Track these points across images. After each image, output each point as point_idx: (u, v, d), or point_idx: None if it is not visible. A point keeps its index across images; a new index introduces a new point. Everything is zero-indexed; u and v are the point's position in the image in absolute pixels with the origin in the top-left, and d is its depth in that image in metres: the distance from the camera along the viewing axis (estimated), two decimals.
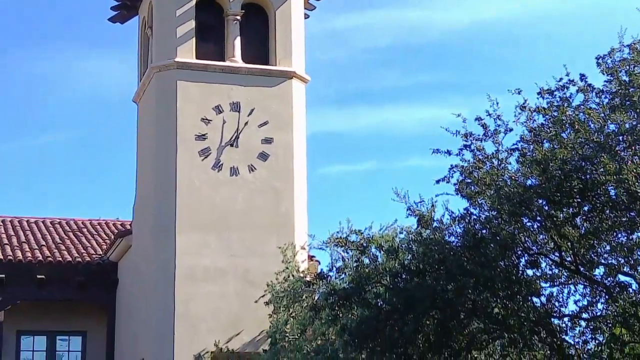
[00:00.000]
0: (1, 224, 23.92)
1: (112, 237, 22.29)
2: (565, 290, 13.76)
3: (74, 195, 39.27)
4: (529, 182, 13.47)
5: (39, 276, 21.06)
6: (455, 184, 14.25)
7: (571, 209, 13.20)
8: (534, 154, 13.44)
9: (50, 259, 21.42)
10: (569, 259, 13.49)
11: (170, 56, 19.39)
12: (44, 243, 22.43)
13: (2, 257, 21.18)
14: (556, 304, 13.69)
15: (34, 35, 40.01)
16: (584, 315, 13.47)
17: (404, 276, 14.22)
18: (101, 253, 22.07)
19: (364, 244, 15.24)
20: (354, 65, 39.93)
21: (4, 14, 39.76)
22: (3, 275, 20.89)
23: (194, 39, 19.54)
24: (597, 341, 13.18)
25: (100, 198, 38.89)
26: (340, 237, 15.66)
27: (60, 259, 21.51)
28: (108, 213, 27.52)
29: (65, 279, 21.32)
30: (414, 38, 39.48)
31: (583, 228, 13.20)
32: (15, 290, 21.01)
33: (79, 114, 40.91)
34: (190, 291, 18.33)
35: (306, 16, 20.88)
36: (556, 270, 13.74)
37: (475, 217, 14.08)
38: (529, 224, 13.57)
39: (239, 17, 19.80)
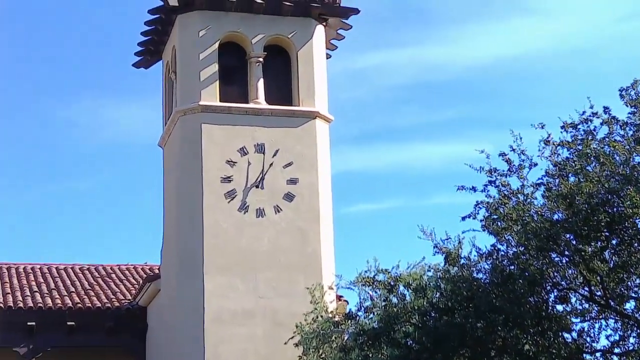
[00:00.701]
0: (30, 271, 24.04)
1: (141, 281, 22.32)
2: (597, 325, 13.63)
3: (102, 241, 39.46)
4: (555, 216, 13.39)
5: (69, 323, 21.09)
6: (481, 220, 14.20)
7: (599, 243, 13.10)
8: (559, 188, 13.37)
9: (80, 305, 21.46)
10: (598, 293, 13.37)
11: (194, 100, 19.52)
12: (73, 289, 22.50)
13: (32, 305, 21.25)
14: (587, 339, 13.55)
15: (59, 82, 40.49)
16: (616, 350, 13.33)
17: (432, 314, 14.14)
18: (130, 298, 22.10)
19: (392, 283, 15.15)
20: (377, 103, 40.05)
21: (35, 63, 40.25)
22: (34, 323, 20.94)
23: (217, 82, 19.66)
24: None
25: (128, 243, 39.09)
26: (368, 277, 15.58)
27: (90, 305, 21.55)
28: (136, 258, 27.52)
29: (95, 325, 21.34)
30: (436, 75, 39.56)
31: (612, 262, 13.09)
32: (45, 338, 21.05)
33: (106, 159, 41.25)
34: (220, 334, 18.30)
35: (328, 56, 20.98)
36: (586, 305, 13.61)
37: (502, 253, 14.01)
38: (557, 258, 13.48)
39: (261, 59, 19.91)
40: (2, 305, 20.83)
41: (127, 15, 38.98)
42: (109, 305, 21.66)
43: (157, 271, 21.71)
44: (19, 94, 39.21)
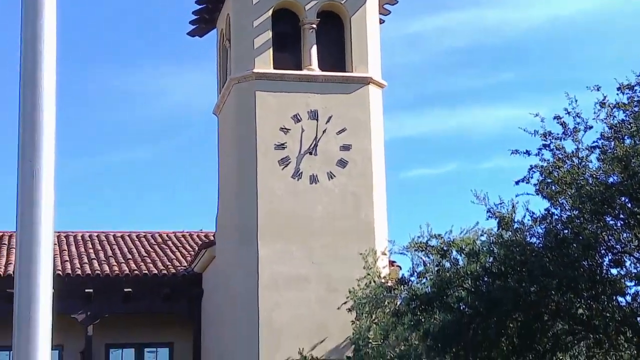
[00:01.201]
0: (88, 239, 24.43)
1: (196, 248, 22.56)
2: None
3: (158, 209, 39.93)
4: (610, 179, 13.27)
5: (125, 290, 21.41)
6: (535, 185, 14.12)
7: None
8: (615, 151, 13.23)
9: (136, 272, 21.77)
10: None
11: (248, 67, 19.57)
12: (130, 257, 22.82)
13: (90, 272, 21.61)
14: None
15: (116, 50, 40.85)
16: None
17: (485, 279, 14.12)
18: (186, 265, 22.36)
19: (445, 248, 15.15)
20: (431, 68, 39.82)
21: (86, 31, 40.67)
22: (91, 290, 21.28)
23: (271, 49, 19.69)
24: None
25: (184, 210, 39.49)
26: (421, 242, 15.59)
27: (147, 271, 21.84)
28: (192, 225, 27.83)
29: (152, 291, 21.64)
30: (490, 38, 39.21)
31: None
32: (103, 304, 21.41)
33: (161, 128, 41.64)
34: (274, 299, 18.45)
35: (381, 21, 20.88)
36: None
37: (556, 217, 13.93)
38: (612, 222, 13.37)
39: (314, 26, 19.89)
40: (60, 272, 21.21)
41: None
42: (165, 272, 21.93)
43: (212, 238, 21.92)
44: (78, 61, 39.67)
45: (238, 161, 19.45)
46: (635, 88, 13.61)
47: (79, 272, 21.58)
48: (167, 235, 25.14)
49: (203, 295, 21.72)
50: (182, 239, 24.93)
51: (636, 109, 13.41)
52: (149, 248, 23.77)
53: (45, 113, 3.81)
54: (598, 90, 13.85)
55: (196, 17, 21.57)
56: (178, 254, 23.41)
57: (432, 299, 14.48)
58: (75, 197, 36.47)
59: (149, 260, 22.58)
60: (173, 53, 41.20)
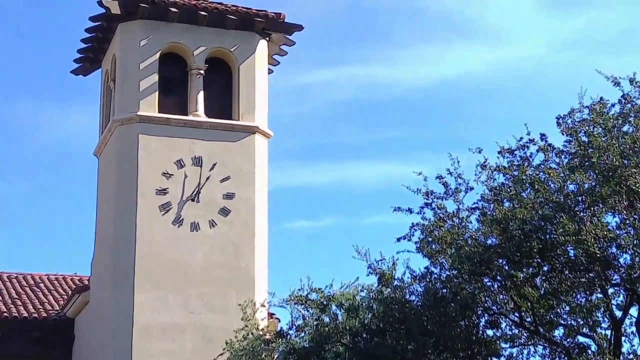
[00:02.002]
0: None
1: (70, 292, 21.93)
2: (525, 351, 13.73)
3: (31, 249, 38.72)
4: (489, 241, 13.47)
5: None
6: (416, 242, 14.26)
7: (531, 269, 13.20)
8: (494, 213, 13.46)
9: (6, 314, 21.00)
10: (528, 319, 13.45)
11: (132, 110, 19.27)
12: (0, 298, 22.01)
13: None
14: None
15: (1, 84, 39.80)
16: None
17: (364, 335, 14.12)
18: (58, 309, 21.69)
19: (325, 302, 15.10)
20: (318, 120, 40.06)
21: None
22: None
23: (156, 92, 19.44)
24: None
25: (58, 253, 38.41)
26: (301, 295, 15.49)
27: (17, 314, 21.10)
28: (66, 268, 27.03)
29: (22, 334, 20.87)
30: (378, 94, 39.69)
31: (543, 288, 13.19)
32: None
33: (39, 165, 40.53)
34: (148, 348, 18.02)
35: (270, 71, 20.89)
36: (516, 331, 13.69)
37: (436, 276, 14.06)
38: (489, 283, 13.55)
39: (202, 72, 19.75)
40: None
41: (69, 21, 38.52)
42: (36, 315, 21.22)
43: (86, 282, 21.35)
44: None
45: (117, 204, 19.06)
46: (516, 152, 13.90)
47: None
48: (39, 278, 24.34)
49: (75, 341, 21.05)
50: (55, 282, 24.17)
51: (515, 172, 13.68)
52: (20, 290, 22.95)
53: None
54: (479, 152, 14.12)
55: (81, 55, 21.19)
56: (50, 297, 22.67)
57: (310, 354, 14.39)
58: None
59: (19, 303, 21.80)
60: (56, 90, 40.37)
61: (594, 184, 12.73)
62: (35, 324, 21.00)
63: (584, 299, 12.95)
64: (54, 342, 21.05)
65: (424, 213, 14.25)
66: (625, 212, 12.51)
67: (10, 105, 39.84)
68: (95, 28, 20.26)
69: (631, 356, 13.08)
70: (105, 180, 20.06)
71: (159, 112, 19.35)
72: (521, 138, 13.96)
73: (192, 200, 18.93)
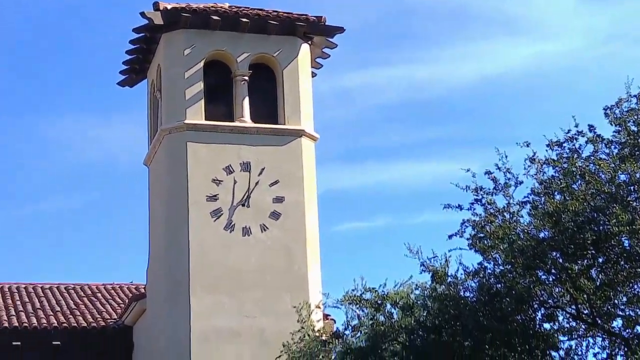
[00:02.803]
0: (15, 290, 23.90)
1: (127, 301, 22.22)
2: (584, 343, 13.67)
3: (88, 260, 39.27)
4: (541, 234, 13.44)
5: (54, 342, 20.93)
6: (468, 239, 14.25)
7: (585, 261, 13.16)
8: (545, 207, 13.43)
9: (65, 324, 21.34)
10: (585, 311, 13.41)
11: (179, 118, 19.48)
12: (58, 309, 22.37)
13: (17, 325, 21.11)
14: (575, 357, 13.57)
15: (48, 100, 40.39)
16: None
17: (419, 333, 14.15)
18: (116, 318, 21.99)
19: (379, 302, 15.15)
20: (363, 122, 40.09)
21: (20, 79, 40.15)
22: (19, 343, 20.77)
23: (202, 100, 19.63)
24: None
25: (114, 262, 38.88)
26: (355, 295, 15.56)
27: (76, 324, 21.43)
28: (122, 277, 27.39)
29: (81, 344, 21.20)
30: (422, 94, 39.67)
31: (598, 280, 13.15)
32: (31, 358, 20.87)
33: (92, 178, 41.08)
34: (206, 353, 18.20)
35: (313, 74, 20.99)
36: (573, 323, 13.65)
37: (489, 271, 14.06)
38: (543, 277, 13.52)
39: (246, 78, 19.91)
40: None
41: (113, 34, 38.98)
42: (95, 324, 21.53)
43: (142, 290, 21.62)
44: (3, 112, 39.12)
45: (169, 213, 19.29)
46: (564, 145, 13.86)
47: (6, 324, 21.07)
48: (96, 287, 24.72)
49: (134, 348, 21.33)
50: (112, 291, 24.53)
51: (565, 165, 13.64)
52: (78, 300, 23.33)
53: None
54: (528, 146, 14.09)
55: (126, 67, 21.45)
56: (108, 306, 23.01)
57: (367, 353, 14.45)
58: (1, 247, 35.75)
59: (78, 313, 22.15)
60: (103, 103, 40.85)
61: None
62: (94, 333, 21.31)
63: None
64: (113, 350, 21.35)
65: (474, 209, 14.26)
66: None
67: (58, 121, 40.41)
68: (139, 39, 20.50)
69: None
70: (156, 189, 20.30)
71: (206, 119, 19.53)
72: (569, 130, 13.92)
73: (243, 205, 19.09)
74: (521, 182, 14.17)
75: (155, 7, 19.64)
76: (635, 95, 13.45)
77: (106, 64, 40.98)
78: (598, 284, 13.03)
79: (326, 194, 32.55)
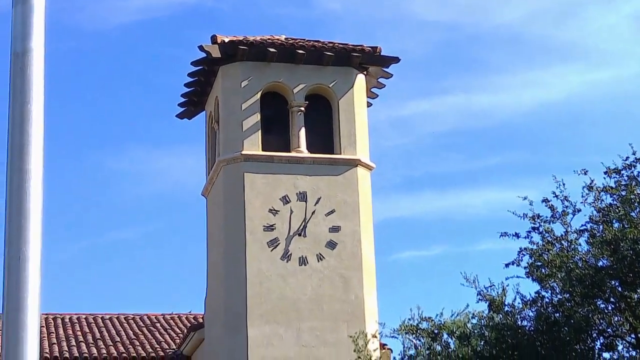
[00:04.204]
0: (76, 321, 24.19)
1: (185, 330, 22.34)
2: None
3: (147, 291, 39.64)
4: (600, 263, 13.26)
5: None
6: (525, 267, 14.10)
7: None
8: (603, 235, 13.25)
9: (124, 355, 21.52)
10: None
11: (237, 149, 19.65)
12: (118, 339, 22.58)
13: (77, 355, 21.35)
14: None
15: (108, 135, 41.04)
16: None
17: None
18: (175, 347, 22.12)
19: (436, 331, 15.01)
20: (421, 150, 40.08)
21: (81, 115, 40.89)
22: None
23: (259, 131, 19.79)
24: None
25: (173, 292, 39.21)
26: (412, 325, 15.44)
27: (135, 354, 21.60)
28: (181, 307, 27.60)
29: None
30: (479, 121, 39.57)
31: None
32: None
33: (151, 209, 41.58)
34: None
35: (369, 104, 21.07)
36: (633, 352, 13.38)
37: (547, 300, 13.88)
38: (602, 305, 13.32)
39: (302, 108, 20.04)
40: (48, 355, 20.94)
41: (173, 67, 39.53)
42: (154, 354, 21.69)
43: (201, 320, 21.73)
44: (71, 147, 39.85)
45: (227, 242, 19.40)
46: (622, 172, 13.70)
47: (67, 354, 21.33)
48: (155, 318, 24.92)
49: None
50: (171, 321, 24.71)
51: (623, 193, 13.47)
52: (138, 330, 23.54)
53: (31, 198, 3.80)
54: (585, 174, 13.95)
55: (185, 99, 21.73)
56: (167, 336, 23.18)
57: None
58: (64, 279, 36.24)
59: (137, 343, 22.34)
60: (164, 135, 41.40)
61: None
62: None
63: None
64: None
65: (531, 237, 14.13)
66: None
67: (123, 154, 41.02)
68: (197, 72, 20.77)
69: None
70: (214, 220, 20.45)
71: (263, 150, 19.68)
72: (627, 157, 13.77)
73: (299, 235, 19.15)
74: (579, 210, 14.03)
75: (213, 40, 19.90)
76: None
77: (168, 96, 41.57)
78: None
79: (384, 223, 32.52)
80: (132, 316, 24.91)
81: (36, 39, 3.77)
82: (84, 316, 24.69)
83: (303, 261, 18.98)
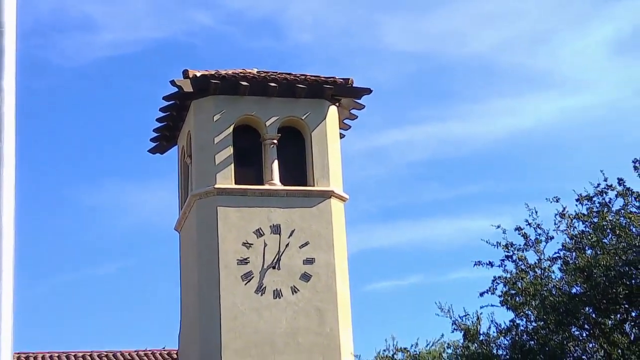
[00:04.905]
0: (49, 359, 23.89)
1: None
2: None
3: (120, 326, 39.27)
4: (573, 290, 13.33)
5: None
6: (499, 296, 14.13)
7: (619, 316, 13.00)
8: (576, 262, 13.33)
9: None
10: None
11: (210, 183, 19.62)
12: None
13: None
14: None
15: (81, 169, 40.83)
16: None
17: None
18: None
19: None
20: (394, 181, 40.18)
21: (54, 151, 40.68)
22: None
23: (232, 164, 19.78)
24: None
25: (146, 328, 38.89)
26: (387, 356, 15.46)
27: None
28: (154, 343, 27.37)
29: None
30: (453, 150, 39.75)
31: (632, 334, 12.96)
32: None
33: (125, 245, 41.31)
34: None
35: (342, 136, 21.14)
36: None
37: (522, 328, 13.91)
38: (577, 332, 13.36)
39: (275, 141, 20.07)
40: None
41: (144, 101, 39.47)
42: None
43: (175, 356, 21.57)
44: (46, 183, 39.63)
45: (200, 277, 19.31)
46: (594, 199, 13.80)
47: None
48: (129, 354, 24.62)
49: None
50: (145, 357, 24.41)
51: (595, 219, 13.56)
52: None
53: (3, 236, 3.78)
54: (557, 201, 14.05)
55: (157, 134, 21.70)
56: None
57: None
58: (35, 317, 35.86)
59: None
60: (137, 170, 41.28)
61: None
62: None
63: None
64: None
65: (505, 266, 14.17)
66: None
67: (96, 189, 40.82)
68: (169, 107, 20.76)
69: None
70: (187, 254, 20.37)
71: (236, 183, 19.66)
72: (599, 184, 13.87)
73: (273, 267, 19.10)
74: (552, 238, 14.10)
75: (185, 74, 19.92)
76: None
77: (141, 131, 41.49)
78: (632, 338, 12.86)
79: (359, 254, 32.49)
80: (105, 353, 24.60)
81: (7, 78, 3.76)
82: (56, 354, 24.36)
83: (277, 294, 18.93)
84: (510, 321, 14.00)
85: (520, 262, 14.09)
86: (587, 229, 13.73)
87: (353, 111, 21.11)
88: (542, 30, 38.36)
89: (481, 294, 14.19)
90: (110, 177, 41.11)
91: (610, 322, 12.96)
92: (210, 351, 18.59)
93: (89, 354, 24.56)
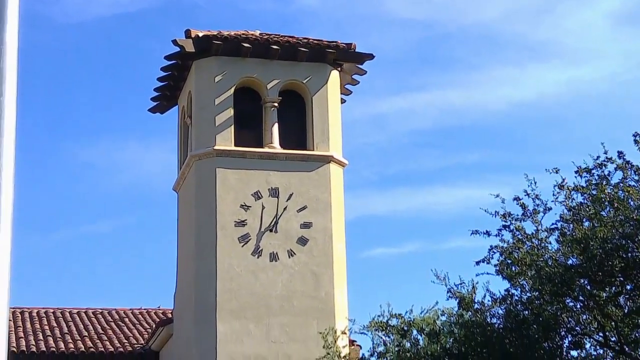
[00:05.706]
0: (44, 315, 24.03)
1: (154, 326, 22.25)
2: None
3: (115, 285, 39.45)
4: (570, 261, 13.35)
5: None
6: (495, 265, 14.16)
7: (614, 288, 13.04)
8: (574, 233, 13.34)
9: (92, 349, 21.39)
10: (613, 338, 13.27)
11: (209, 144, 19.58)
12: (86, 334, 22.44)
13: (45, 349, 21.19)
14: None
15: (79, 125, 40.78)
16: None
17: None
18: (143, 342, 22.02)
19: (405, 328, 15.06)
20: (396, 148, 40.16)
21: (54, 107, 40.59)
22: None
23: (232, 126, 19.73)
24: None
25: (141, 287, 39.05)
26: (381, 321, 15.48)
27: (103, 349, 21.48)
28: (150, 302, 27.53)
29: None
30: (454, 119, 39.72)
31: (627, 307, 13.02)
32: None
33: (123, 203, 41.37)
34: None
35: (343, 101, 21.07)
36: (601, 351, 13.50)
37: (516, 298, 13.96)
38: (571, 304, 13.42)
39: (276, 104, 20.01)
40: (15, 349, 20.77)
41: (145, 60, 39.35)
42: (122, 349, 21.58)
43: (170, 315, 21.65)
44: (45, 138, 39.58)
45: (197, 238, 19.33)
46: (593, 171, 13.78)
47: (34, 349, 21.17)
48: (124, 312, 24.79)
49: None
50: (140, 316, 24.58)
51: (594, 192, 13.56)
52: (106, 325, 23.40)
53: (2, 190, 3.76)
54: (557, 172, 14.03)
55: (158, 93, 21.62)
56: (135, 331, 23.05)
57: None
58: (31, 272, 35.99)
59: (105, 338, 22.21)
60: (137, 128, 41.21)
61: None
62: (121, 358, 21.33)
63: None
64: None
65: (502, 235, 14.19)
66: None
67: (94, 145, 40.79)
68: (170, 66, 20.66)
69: None
70: (185, 215, 20.38)
71: (235, 145, 19.62)
72: (598, 157, 13.85)
73: (271, 230, 19.12)
74: (550, 209, 14.11)
75: (187, 34, 19.81)
76: None
77: (140, 90, 41.41)
78: (626, 311, 12.90)
79: (357, 220, 32.54)
80: (100, 311, 24.76)
81: (9, 32, 3.73)
82: (51, 310, 24.51)
83: (274, 257, 18.97)
84: (505, 290, 14.07)
85: (518, 232, 14.11)
86: (585, 201, 13.73)
87: (355, 77, 21.03)
88: (546, 1, 38.18)
89: (477, 263, 14.23)
90: (109, 134, 41.08)
91: (605, 294, 13.00)
92: (205, 311, 18.65)
93: (83, 310, 24.71)
